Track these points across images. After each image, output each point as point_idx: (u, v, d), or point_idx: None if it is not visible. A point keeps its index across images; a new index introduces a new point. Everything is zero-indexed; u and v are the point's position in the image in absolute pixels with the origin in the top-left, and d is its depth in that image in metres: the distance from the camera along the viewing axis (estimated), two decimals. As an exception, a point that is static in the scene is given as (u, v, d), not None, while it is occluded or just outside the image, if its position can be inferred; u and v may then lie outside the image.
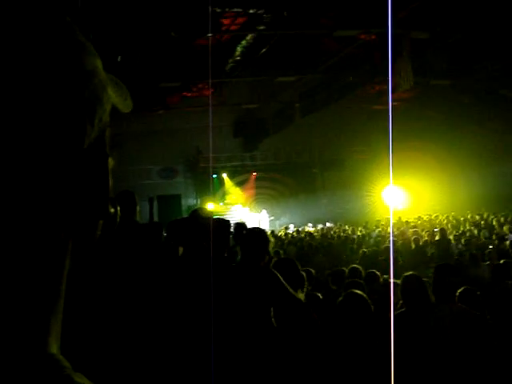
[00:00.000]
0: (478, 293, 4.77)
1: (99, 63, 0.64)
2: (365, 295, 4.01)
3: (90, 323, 3.26)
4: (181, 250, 3.96)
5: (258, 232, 4.12)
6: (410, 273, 4.57)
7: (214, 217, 4.33)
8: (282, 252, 9.86)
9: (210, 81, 19.23)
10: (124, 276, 3.57)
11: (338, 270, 7.14)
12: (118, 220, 3.58)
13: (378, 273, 6.57)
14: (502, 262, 8.06)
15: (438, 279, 4.38)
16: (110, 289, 3.61)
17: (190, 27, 14.59)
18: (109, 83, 0.67)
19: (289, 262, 4.60)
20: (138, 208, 4.34)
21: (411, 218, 21.46)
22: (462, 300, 4.48)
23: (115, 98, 0.71)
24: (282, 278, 3.60)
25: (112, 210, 0.71)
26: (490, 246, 11.26)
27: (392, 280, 4.74)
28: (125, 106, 0.77)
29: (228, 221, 4.20)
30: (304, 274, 4.91)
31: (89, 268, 3.18)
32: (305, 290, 4.81)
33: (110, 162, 0.69)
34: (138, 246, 3.93)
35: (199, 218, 3.89)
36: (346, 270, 6.89)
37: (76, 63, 0.58)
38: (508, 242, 10.88)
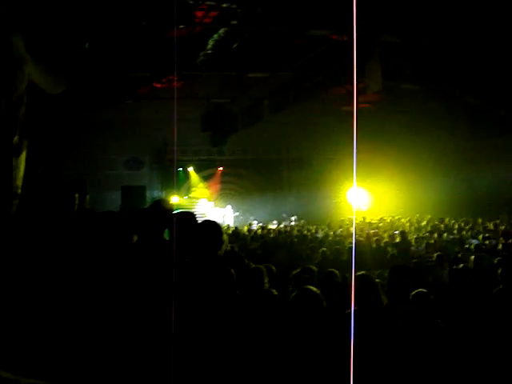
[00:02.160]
0: (432, 296, 4.81)
1: (16, 39, 0.62)
2: (318, 291, 4.02)
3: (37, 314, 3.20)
4: (135, 238, 3.89)
5: (211, 224, 4.07)
6: (362, 273, 4.59)
7: (179, 210, 4.27)
8: (236, 247, 9.84)
9: (176, 73, 19.09)
10: (72, 263, 3.50)
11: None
12: (76, 208, 3.53)
13: (337, 271, 6.57)
14: (460, 266, 8.19)
15: (392, 280, 4.41)
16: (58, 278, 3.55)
17: (162, 18, 14.46)
18: (28, 61, 0.64)
19: (237, 256, 4.58)
20: (87, 197, 4.26)
21: (374, 219, 21.68)
22: (416, 302, 4.52)
23: (37, 76, 0.68)
24: (234, 276, 3.57)
25: (19, 191, 0.68)
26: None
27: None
28: (50, 85, 0.74)
29: (193, 214, 4.16)
30: (264, 269, 4.89)
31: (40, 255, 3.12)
32: (266, 285, 4.80)
33: (25, 142, 0.67)
34: (88, 235, 3.85)
35: (160, 209, 3.84)
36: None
37: None
38: (472, 246, 11.04)
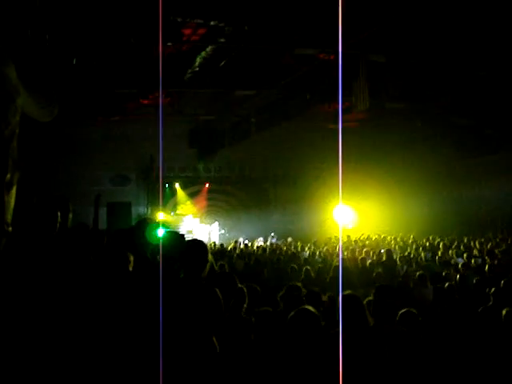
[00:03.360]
0: (420, 318, 4.79)
1: (10, 70, 0.61)
2: (315, 311, 3.99)
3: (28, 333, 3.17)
4: (131, 258, 3.87)
5: (197, 244, 4.04)
6: (348, 292, 4.56)
7: (166, 229, 4.26)
8: (226, 266, 9.79)
9: (161, 90, 19.08)
10: (61, 284, 3.47)
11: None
12: (58, 226, 3.49)
13: (317, 291, 6.50)
14: (446, 285, 8.20)
15: (378, 301, 4.39)
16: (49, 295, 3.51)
17: (150, 35, 14.48)
18: (21, 93, 0.64)
19: (228, 276, 4.55)
20: (70, 215, 4.23)
21: (360, 236, 21.70)
22: (403, 322, 4.50)
23: (30, 107, 0.68)
24: (220, 297, 3.55)
25: (10, 229, 0.68)
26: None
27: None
28: (42, 114, 0.74)
29: (181, 234, 4.13)
30: (245, 289, 4.86)
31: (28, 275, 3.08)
32: (245, 305, 4.77)
33: (16, 175, 0.66)
34: (73, 255, 3.83)
35: (146, 229, 3.82)
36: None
37: None
38: (460, 265, 11.07)
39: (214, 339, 3.52)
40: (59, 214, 3.52)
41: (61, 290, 3.53)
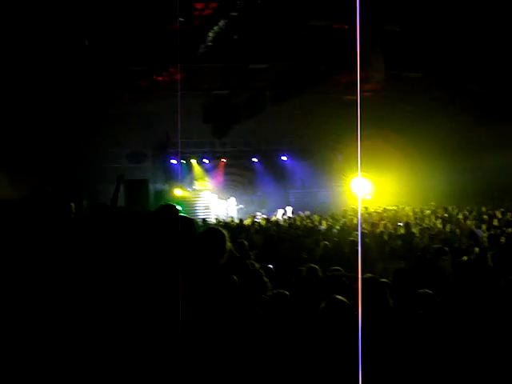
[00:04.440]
0: (437, 299, 4.75)
1: None
2: (347, 301, 3.97)
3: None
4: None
5: (215, 232, 4.01)
6: (369, 275, 4.53)
7: (182, 215, 4.25)
8: (246, 243, 9.80)
9: (176, 65, 19.01)
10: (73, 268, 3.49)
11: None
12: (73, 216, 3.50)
13: (341, 272, 6.47)
14: (465, 258, 8.17)
15: (397, 284, 4.37)
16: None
17: (161, 11, 14.40)
18: None
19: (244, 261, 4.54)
20: (85, 203, 4.25)
21: (377, 209, 21.65)
22: (421, 304, 4.48)
23: None
24: (237, 284, 3.54)
25: None
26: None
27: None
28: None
29: (192, 220, 4.11)
30: (262, 271, 4.84)
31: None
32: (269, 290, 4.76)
33: None
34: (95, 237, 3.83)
35: (168, 215, 3.81)
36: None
37: None
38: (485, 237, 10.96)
39: (230, 327, 3.53)
40: (73, 205, 3.53)
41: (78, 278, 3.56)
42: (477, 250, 9.30)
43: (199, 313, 3.37)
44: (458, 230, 12.70)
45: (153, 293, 3.43)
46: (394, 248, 10.19)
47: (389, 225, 14.02)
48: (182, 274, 3.12)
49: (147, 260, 3.67)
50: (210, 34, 17.57)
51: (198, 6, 15.50)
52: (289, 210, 25.32)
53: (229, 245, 3.90)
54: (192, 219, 4.07)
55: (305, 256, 10.72)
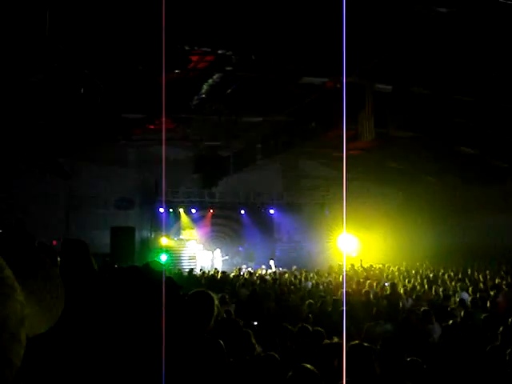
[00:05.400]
0: (425, 366, 4.69)
1: (16, 299, 0.59)
2: (315, 370, 3.90)
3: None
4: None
5: (203, 295, 3.95)
6: (356, 342, 4.46)
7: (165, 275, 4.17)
8: (227, 297, 9.66)
9: (164, 117, 19.19)
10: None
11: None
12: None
13: (322, 331, 6.37)
14: (450, 322, 8.11)
15: (385, 353, 4.30)
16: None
17: (158, 62, 14.59)
18: (27, 310, 0.61)
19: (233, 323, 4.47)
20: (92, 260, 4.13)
21: (364, 265, 21.59)
22: (409, 371, 4.41)
23: (35, 321, 0.65)
24: (224, 350, 3.47)
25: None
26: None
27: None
28: (45, 321, 0.70)
29: (177, 285, 4.04)
30: (251, 332, 4.78)
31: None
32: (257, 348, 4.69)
33: None
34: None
35: (150, 272, 3.75)
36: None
37: None
38: (468, 302, 10.94)
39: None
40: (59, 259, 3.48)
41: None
42: (462, 313, 9.25)
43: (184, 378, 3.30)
44: (441, 292, 12.67)
45: (135, 356, 3.36)
46: (380, 309, 10.11)
47: (374, 284, 13.95)
48: (167, 339, 3.06)
49: (129, 322, 3.60)
50: (204, 87, 17.81)
51: (194, 58, 15.72)
52: (272, 263, 25.20)
53: (217, 308, 3.84)
54: (175, 284, 4.00)
55: (290, 315, 10.62)
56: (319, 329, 6.30)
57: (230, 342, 3.71)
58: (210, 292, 4.00)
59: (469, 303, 10.66)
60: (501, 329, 7.01)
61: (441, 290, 13.17)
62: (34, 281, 0.69)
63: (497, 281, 14.52)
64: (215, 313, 3.81)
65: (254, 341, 4.90)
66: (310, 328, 6.21)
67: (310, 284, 15.72)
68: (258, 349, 4.91)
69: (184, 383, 3.27)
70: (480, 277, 15.31)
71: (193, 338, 3.54)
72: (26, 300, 0.64)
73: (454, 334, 7.54)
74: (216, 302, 3.87)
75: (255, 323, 7.04)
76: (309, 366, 3.96)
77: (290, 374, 3.90)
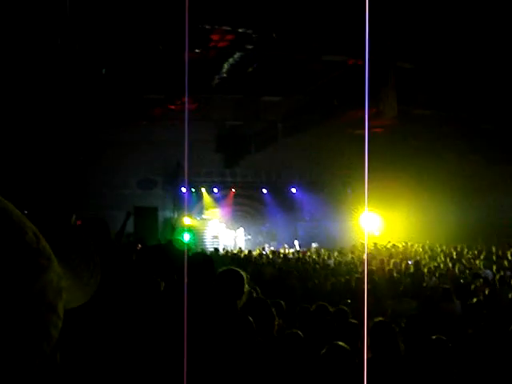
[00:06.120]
0: (450, 344, 4.67)
1: (53, 270, 0.60)
2: (348, 347, 3.92)
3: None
4: (162, 284, 3.84)
5: (233, 273, 3.97)
6: (380, 319, 4.47)
7: (198, 252, 4.22)
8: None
9: (189, 95, 19.17)
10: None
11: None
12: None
13: (347, 309, 6.38)
14: (474, 300, 8.08)
15: (409, 331, 4.30)
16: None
17: (178, 41, 14.56)
18: (64, 282, 0.62)
19: (261, 302, 4.50)
20: (73, 217, 4.17)
21: (387, 244, 21.53)
22: (434, 349, 4.40)
23: (72, 294, 0.66)
24: (254, 327, 3.50)
25: None
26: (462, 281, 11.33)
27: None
28: (85, 293, 0.72)
29: (210, 258, 4.08)
30: (273, 309, 4.80)
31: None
32: (276, 325, 4.71)
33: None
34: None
35: (174, 250, 3.80)
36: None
37: (21, 292, 0.55)
38: (482, 280, 10.88)
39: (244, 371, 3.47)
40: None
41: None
42: (487, 291, 9.21)
43: (212, 354, 3.34)
44: (467, 271, 12.59)
45: (165, 332, 3.41)
46: (404, 288, 10.09)
47: (398, 262, 13.91)
48: (198, 314, 3.10)
49: (156, 298, 3.65)
50: (225, 66, 17.77)
51: (214, 37, 15.66)
52: (296, 243, 25.26)
53: (247, 287, 3.87)
54: (209, 257, 4.04)
55: (313, 294, 10.67)
56: (344, 307, 6.30)
57: (257, 320, 3.73)
58: (239, 270, 4.03)
59: (495, 281, 10.56)
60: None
61: (465, 268, 13.12)
62: (70, 255, 0.70)
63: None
64: (246, 290, 3.84)
65: (277, 319, 4.93)
66: (330, 307, 6.21)
67: (331, 262, 15.76)
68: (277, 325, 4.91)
69: (215, 360, 3.32)
70: (508, 254, 15.14)
71: (224, 315, 3.58)
72: (62, 273, 0.65)
73: (476, 313, 7.50)
74: (245, 279, 3.90)
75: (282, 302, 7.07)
76: (342, 343, 3.98)
77: (324, 351, 3.92)
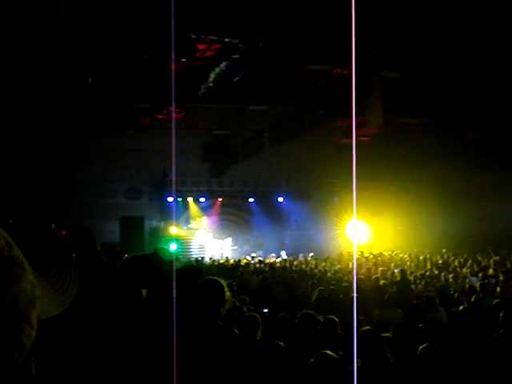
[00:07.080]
0: (440, 352, 4.66)
1: (26, 279, 0.60)
2: (337, 356, 3.91)
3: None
4: (144, 292, 3.81)
5: (213, 283, 3.96)
6: (368, 328, 4.47)
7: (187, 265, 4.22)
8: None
9: (174, 105, 19.18)
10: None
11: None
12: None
13: (337, 319, 6.38)
14: (460, 308, 8.10)
15: (397, 340, 4.30)
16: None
17: (165, 51, 14.58)
18: (38, 291, 0.62)
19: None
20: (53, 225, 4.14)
21: (373, 252, 21.58)
22: (424, 358, 4.39)
23: (47, 304, 0.66)
24: (238, 336, 3.50)
25: None
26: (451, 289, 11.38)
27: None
28: (57, 305, 0.71)
29: (198, 269, 4.08)
30: (258, 316, 4.79)
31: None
32: (259, 333, 4.70)
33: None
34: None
35: (160, 260, 3.78)
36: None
37: None
38: (477, 286, 10.91)
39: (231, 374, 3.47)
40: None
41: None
42: (473, 298, 9.24)
43: (197, 364, 3.33)
44: (451, 278, 12.65)
45: (150, 342, 3.39)
46: (390, 296, 10.10)
47: (385, 271, 13.95)
48: (181, 325, 3.09)
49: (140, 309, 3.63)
50: (212, 75, 17.80)
51: (201, 47, 15.70)
52: (283, 253, 25.28)
53: (228, 294, 3.86)
54: (197, 268, 4.04)
55: (299, 302, 10.67)
56: (333, 317, 6.29)
57: (241, 329, 3.73)
58: (219, 279, 4.02)
59: (478, 288, 10.62)
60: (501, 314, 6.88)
61: (450, 276, 13.15)
62: (46, 263, 0.70)
63: (508, 265, 14.50)
64: (227, 300, 3.83)
65: (260, 328, 4.92)
66: (316, 316, 6.20)
67: (317, 271, 15.76)
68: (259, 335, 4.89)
69: (199, 371, 3.31)
70: (491, 262, 15.24)
71: (205, 325, 3.57)
72: (37, 282, 0.65)
73: (461, 320, 7.52)
74: (226, 289, 3.89)
75: (265, 310, 7.08)
76: (330, 352, 3.97)
77: (312, 361, 3.91)
